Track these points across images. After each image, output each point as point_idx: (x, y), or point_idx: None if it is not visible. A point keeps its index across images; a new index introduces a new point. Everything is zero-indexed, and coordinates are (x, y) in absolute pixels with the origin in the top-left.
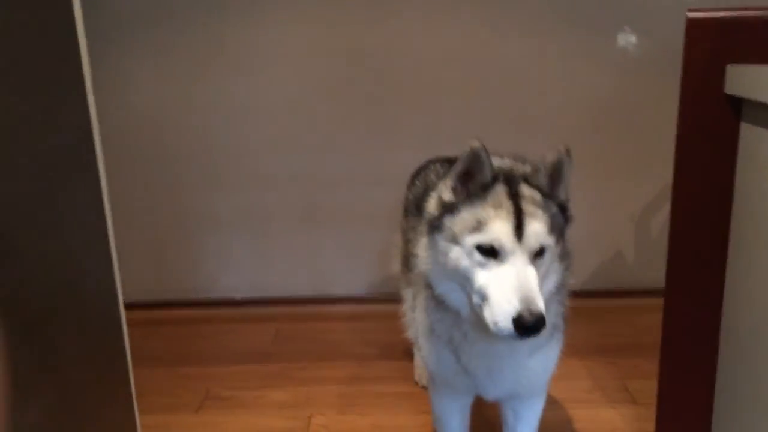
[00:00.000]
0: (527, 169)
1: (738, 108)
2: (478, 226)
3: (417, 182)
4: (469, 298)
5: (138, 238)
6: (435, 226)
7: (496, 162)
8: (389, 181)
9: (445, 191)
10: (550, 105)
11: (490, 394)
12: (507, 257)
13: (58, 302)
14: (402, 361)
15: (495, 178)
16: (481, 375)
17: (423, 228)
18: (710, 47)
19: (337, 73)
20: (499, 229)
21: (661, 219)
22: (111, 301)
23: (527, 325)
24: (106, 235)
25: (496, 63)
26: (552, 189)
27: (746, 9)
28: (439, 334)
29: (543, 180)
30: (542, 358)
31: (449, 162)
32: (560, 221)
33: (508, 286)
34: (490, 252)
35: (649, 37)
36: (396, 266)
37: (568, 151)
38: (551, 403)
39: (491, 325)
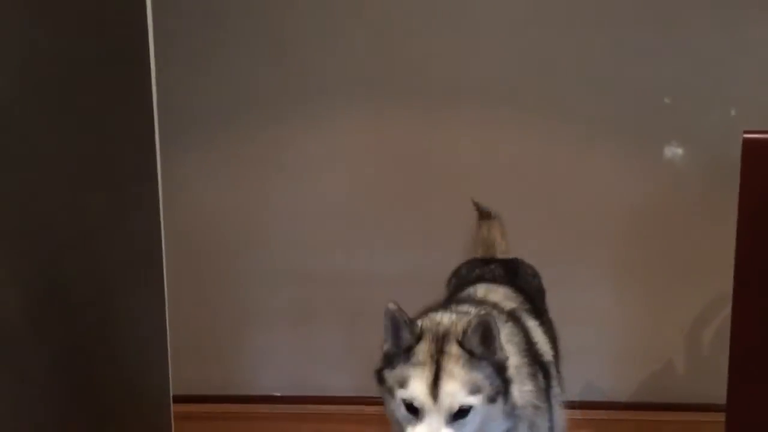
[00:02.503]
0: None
1: None
2: (403, 383)
3: (453, 280)
4: None
5: (184, 331)
6: (379, 378)
7: (444, 316)
8: (429, 282)
9: (385, 345)
10: (597, 215)
11: None
12: (423, 416)
13: (116, 403)
14: None
15: (420, 337)
16: None
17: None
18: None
19: (384, 178)
20: (415, 387)
21: (711, 332)
22: (162, 395)
23: None
24: (164, 333)
25: (542, 173)
26: (485, 349)
27: None
28: None
29: (473, 340)
30: None
31: (482, 262)
32: (495, 381)
33: None
34: (413, 409)
35: (698, 150)
36: None
37: (488, 313)
38: None
39: None
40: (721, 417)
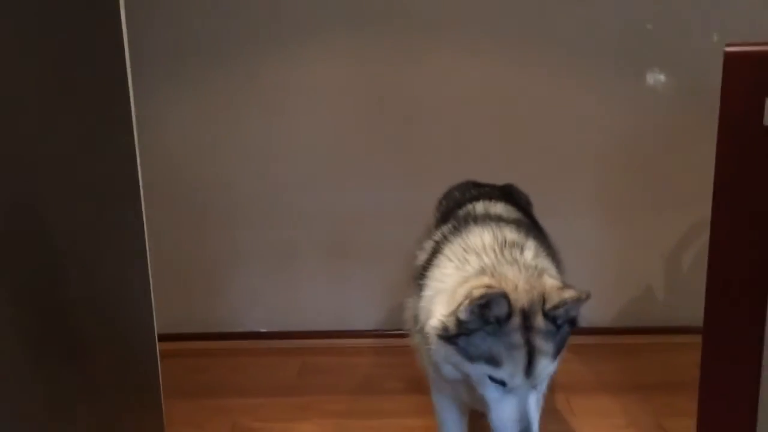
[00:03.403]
0: (547, 286)
1: None
2: (492, 361)
3: (444, 202)
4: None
5: (168, 272)
6: (449, 340)
7: (529, 257)
8: (414, 217)
9: (462, 312)
10: (579, 143)
11: (478, 408)
12: (514, 389)
13: (99, 331)
14: (428, 395)
15: (511, 312)
16: (470, 398)
17: (436, 331)
18: (749, 81)
19: (365, 112)
20: (511, 370)
21: (691, 256)
22: (147, 333)
23: None
24: (146, 267)
25: (524, 103)
26: (569, 320)
27: None
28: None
29: (560, 313)
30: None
31: (475, 185)
32: (567, 335)
33: (510, 416)
34: (500, 381)
35: (679, 76)
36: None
37: (588, 296)
38: None
39: (492, 426)
40: (699, 339)
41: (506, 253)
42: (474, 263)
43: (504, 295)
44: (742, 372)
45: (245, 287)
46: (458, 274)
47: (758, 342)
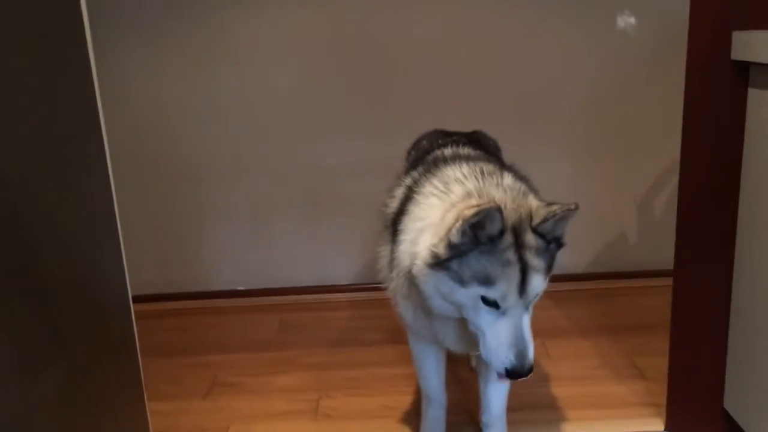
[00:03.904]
0: (533, 204)
1: (745, 74)
2: (486, 281)
3: (413, 152)
4: (463, 317)
5: (140, 232)
6: (441, 266)
7: (508, 183)
8: (388, 169)
9: (455, 234)
10: (551, 87)
11: (458, 350)
12: (507, 310)
13: (67, 281)
14: (407, 345)
15: (503, 230)
16: (450, 338)
17: (425, 261)
18: (716, 15)
19: (335, 62)
20: (505, 288)
21: (663, 200)
22: (120, 289)
23: (518, 375)
24: (114, 223)
25: (496, 47)
26: (557, 234)
27: None
28: (418, 305)
29: (549, 227)
30: None
31: (444, 133)
32: (555, 253)
33: (505, 339)
34: (493, 302)
35: (649, 19)
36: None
37: (577, 207)
38: (560, 379)
39: (484, 358)
40: (671, 281)
41: (487, 178)
42: (458, 190)
43: (498, 209)
44: (712, 310)
45: (220, 245)
46: (442, 204)
47: (727, 282)
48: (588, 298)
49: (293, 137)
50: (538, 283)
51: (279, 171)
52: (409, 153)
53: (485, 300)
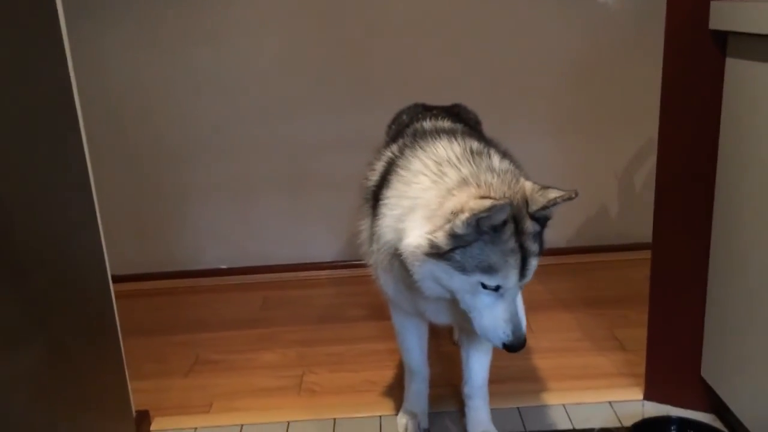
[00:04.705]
0: (527, 188)
1: (723, 44)
2: (488, 269)
3: (393, 126)
4: (454, 299)
5: (122, 212)
6: (442, 256)
7: (499, 165)
8: (370, 145)
9: (459, 226)
10: (532, 61)
11: (440, 322)
12: (506, 292)
13: (43, 258)
14: (390, 320)
15: (506, 220)
16: (431, 310)
17: (421, 249)
18: None
19: (314, 38)
20: (507, 275)
21: (643, 174)
22: (98, 265)
23: (515, 349)
24: (91, 201)
25: (477, 21)
26: (549, 216)
27: None
28: (400, 278)
29: (546, 213)
30: None
31: (424, 107)
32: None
33: (502, 317)
34: (492, 287)
35: None
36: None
37: (577, 194)
38: (542, 352)
39: (478, 333)
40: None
41: (478, 161)
42: (452, 175)
43: (510, 205)
44: (690, 281)
45: (202, 224)
46: (436, 188)
47: (704, 253)
48: (569, 272)
49: (274, 115)
50: (535, 265)
51: (260, 149)
52: (389, 127)
53: (484, 285)
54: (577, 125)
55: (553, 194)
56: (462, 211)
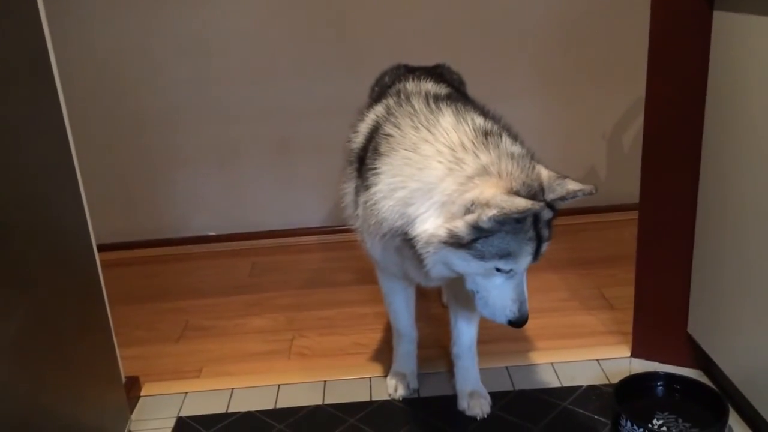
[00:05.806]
0: (543, 175)
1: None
2: (507, 256)
3: (376, 88)
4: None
5: (107, 180)
6: (463, 245)
7: (513, 149)
8: (355, 109)
9: (485, 221)
10: (517, 20)
11: (428, 284)
12: (516, 274)
13: (24, 224)
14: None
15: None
16: (420, 273)
17: (439, 239)
18: None
19: (299, 1)
20: (524, 260)
21: (632, 135)
22: (81, 231)
23: (519, 324)
24: (70, 158)
25: None
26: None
27: None
28: (390, 245)
29: (561, 204)
30: None
31: (407, 68)
32: None
33: (509, 296)
34: (506, 270)
35: None
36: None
37: (597, 190)
38: (530, 312)
39: (481, 311)
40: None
41: (493, 145)
42: (471, 162)
43: (537, 209)
44: (676, 239)
45: (190, 191)
46: (453, 176)
47: (691, 210)
48: (558, 233)
49: (260, 79)
50: (545, 249)
51: (247, 114)
52: (372, 89)
53: (498, 269)
54: (564, 86)
55: (572, 186)
56: (488, 205)
